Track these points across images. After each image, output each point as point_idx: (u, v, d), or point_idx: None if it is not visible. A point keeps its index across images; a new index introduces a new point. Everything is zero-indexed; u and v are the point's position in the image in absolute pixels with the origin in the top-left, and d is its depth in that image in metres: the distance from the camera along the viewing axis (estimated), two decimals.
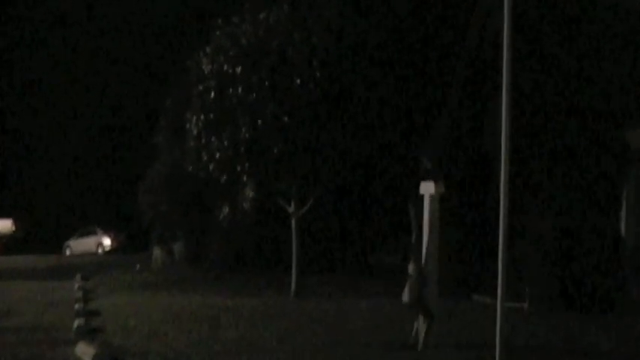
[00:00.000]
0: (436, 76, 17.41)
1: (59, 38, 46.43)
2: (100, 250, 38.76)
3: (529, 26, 14.50)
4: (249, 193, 21.24)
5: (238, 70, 15.84)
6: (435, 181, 10.75)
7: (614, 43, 14.54)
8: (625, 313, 13.56)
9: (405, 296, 10.44)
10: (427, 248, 10.64)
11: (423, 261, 10.62)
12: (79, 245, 39.20)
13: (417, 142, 17.30)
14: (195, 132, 16.70)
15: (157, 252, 27.64)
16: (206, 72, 16.49)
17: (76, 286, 19.74)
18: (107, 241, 39.07)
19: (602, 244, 14.29)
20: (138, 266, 26.06)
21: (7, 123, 48.13)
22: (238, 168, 16.17)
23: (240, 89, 15.75)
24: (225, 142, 15.99)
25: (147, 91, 39.53)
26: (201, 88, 16.57)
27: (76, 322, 12.44)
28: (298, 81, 15.50)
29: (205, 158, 16.54)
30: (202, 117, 16.41)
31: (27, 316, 14.58)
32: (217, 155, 16.20)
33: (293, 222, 17.35)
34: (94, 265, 28.81)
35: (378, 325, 12.62)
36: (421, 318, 10.58)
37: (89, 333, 11.91)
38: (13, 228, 43.24)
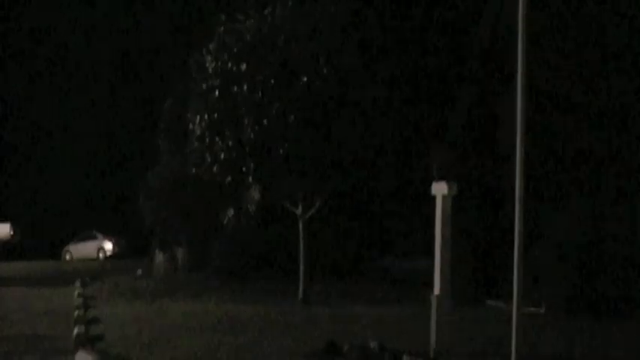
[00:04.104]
0: (449, 71, 17.03)
1: (54, 41, 46.17)
2: (101, 255, 38.25)
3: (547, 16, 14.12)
4: (255, 195, 20.95)
5: (243, 67, 15.64)
6: (448, 182, 10.51)
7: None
8: None
9: None
10: (439, 251, 10.38)
11: (435, 264, 10.38)
12: (79, 250, 38.73)
13: (430, 141, 16.94)
14: (198, 132, 16.51)
15: (159, 257, 27.30)
16: (209, 70, 16.28)
17: (76, 292, 19.42)
18: (109, 246, 38.51)
19: (621, 249, 14.06)
20: (139, 272, 25.74)
21: (4, 127, 47.86)
22: (243, 169, 15.94)
23: (244, 87, 15.54)
24: (230, 143, 15.78)
25: (146, 92, 39.21)
26: (204, 86, 16.39)
27: (76, 330, 12.22)
28: (305, 78, 15.26)
29: (209, 160, 16.33)
30: (206, 117, 16.22)
31: (24, 324, 14.35)
32: (221, 156, 15.96)
33: (300, 225, 17.03)
34: (94, 270, 28.51)
35: (391, 334, 12.13)
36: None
37: (89, 341, 11.66)
38: (11, 233, 42.76)
